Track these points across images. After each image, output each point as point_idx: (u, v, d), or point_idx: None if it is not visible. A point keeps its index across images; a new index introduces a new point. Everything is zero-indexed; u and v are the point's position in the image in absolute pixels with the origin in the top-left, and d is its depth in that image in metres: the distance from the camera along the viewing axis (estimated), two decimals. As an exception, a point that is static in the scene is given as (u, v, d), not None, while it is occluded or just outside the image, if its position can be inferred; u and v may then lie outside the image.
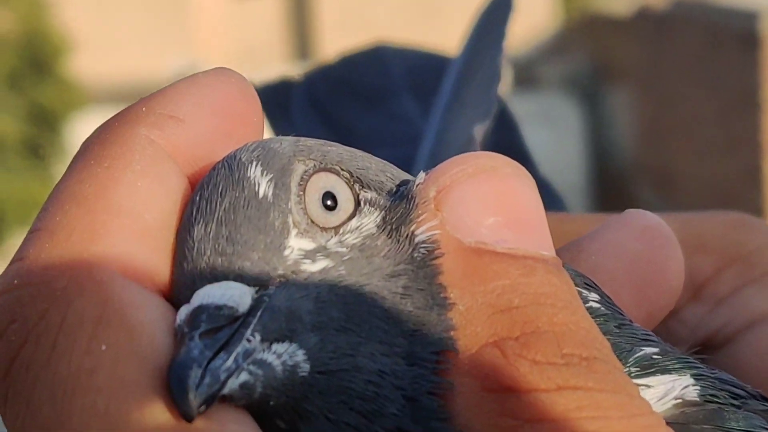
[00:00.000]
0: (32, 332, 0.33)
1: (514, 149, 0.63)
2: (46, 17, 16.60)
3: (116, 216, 0.35)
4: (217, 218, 0.35)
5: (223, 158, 0.37)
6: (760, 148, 11.64)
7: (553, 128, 14.75)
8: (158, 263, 0.35)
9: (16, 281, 0.34)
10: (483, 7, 0.65)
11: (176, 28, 18.71)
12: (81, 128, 16.68)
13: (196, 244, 0.35)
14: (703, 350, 0.46)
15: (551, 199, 0.61)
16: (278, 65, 18.21)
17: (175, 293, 0.35)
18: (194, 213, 0.36)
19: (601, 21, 15.69)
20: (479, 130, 0.54)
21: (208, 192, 0.36)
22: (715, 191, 12.39)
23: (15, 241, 18.02)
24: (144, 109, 0.37)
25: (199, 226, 0.35)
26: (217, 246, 0.35)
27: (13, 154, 16.18)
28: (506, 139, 0.63)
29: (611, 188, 14.68)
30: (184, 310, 0.34)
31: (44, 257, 0.34)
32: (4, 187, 15.99)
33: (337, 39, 18.49)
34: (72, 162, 0.36)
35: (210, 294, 0.34)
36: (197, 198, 0.36)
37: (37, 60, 16.32)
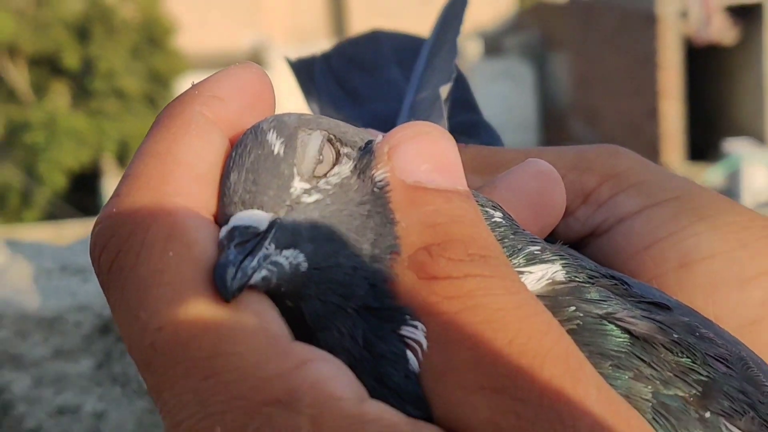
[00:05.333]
0: (124, 245, 0.34)
1: (466, 102, 0.61)
2: (157, 7, 16.50)
3: (179, 166, 0.35)
4: (246, 168, 0.36)
5: (251, 127, 0.37)
6: (656, 93, 11.64)
7: (514, 82, 14.82)
8: (208, 197, 0.36)
9: (114, 210, 0.35)
10: (446, 1, 0.60)
11: (249, 13, 18.63)
12: (184, 86, 16.59)
13: (233, 185, 0.36)
14: (590, 237, 0.47)
15: (491, 136, 0.60)
16: (322, 41, 18.09)
17: (219, 218, 0.36)
18: (232, 164, 0.36)
19: (547, 6, 15.59)
20: (444, 90, 0.52)
21: (241, 150, 0.36)
22: (626, 124, 12.48)
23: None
24: (197, 92, 0.37)
25: (235, 173, 0.36)
26: (246, 186, 0.36)
27: (136, 104, 16.20)
28: (461, 95, 0.59)
29: (554, 123, 14.76)
30: (225, 229, 0.35)
31: (132, 194, 0.35)
32: (130, 126, 15.98)
33: (362, 22, 18.36)
34: (150, 129, 0.37)
35: (241, 218, 0.35)
36: (234, 154, 0.37)
37: (152, 38, 16.33)
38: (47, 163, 15.85)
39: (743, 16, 11.85)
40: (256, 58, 17.67)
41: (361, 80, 0.65)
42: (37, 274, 0.82)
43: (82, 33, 16.48)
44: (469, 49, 16.11)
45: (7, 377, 0.77)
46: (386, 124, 0.52)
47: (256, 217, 0.35)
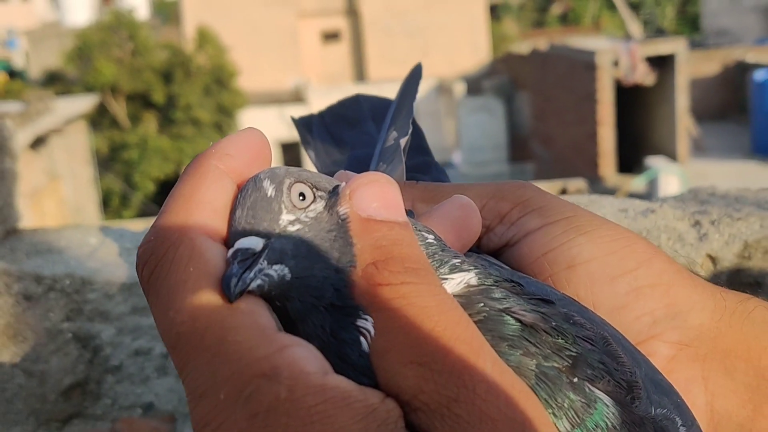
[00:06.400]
0: (159, 261, 0.35)
1: (421, 147, 0.61)
2: (224, 56, 16.50)
3: (200, 204, 0.36)
4: (248, 206, 0.36)
5: (252, 176, 0.38)
6: (595, 122, 11.59)
7: (490, 114, 14.80)
8: (220, 227, 0.36)
9: (152, 237, 0.35)
10: (407, 74, 0.59)
11: (292, 61, 18.62)
12: (244, 117, 16.63)
13: (237, 218, 0.36)
14: (505, 247, 0.47)
15: (439, 172, 0.60)
16: (347, 82, 18.09)
17: (228, 242, 0.36)
18: (237, 203, 0.37)
19: (514, 56, 15.56)
20: (403, 142, 0.52)
21: (244, 193, 0.37)
22: (572, 145, 12.44)
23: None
24: (214, 150, 0.37)
25: (239, 209, 0.36)
26: (247, 219, 0.36)
27: (208, 130, 16.16)
28: (418, 143, 0.60)
29: (519, 144, 14.73)
30: (231, 250, 0.35)
31: (166, 225, 0.36)
32: (203, 147, 15.81)
33: (377, 69, 18.35)
34: (180, 176, 0.38)
35: (242, 242, 0.35)
36: (239, 196, 0.37)
37: (220, 79, 16.33)
38: (140, 173, 15.93)
39: (660, 63, 11.84)
40: (297, 95, 17.72)
41: (346, 132, 0.64)
42: (120, 251, 0.82)
43: (166, 76, 16.55)
44: (456, 89, 16.10)
45: (97, 328, 0.78)
46: (362, 164, 0.55)
47: (254, 241, 0.36)
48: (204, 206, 0.36)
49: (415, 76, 0.59)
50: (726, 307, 0.44)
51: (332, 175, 0.47)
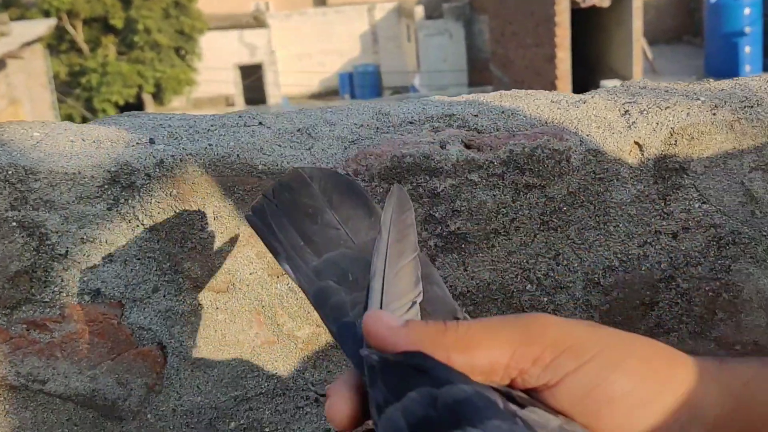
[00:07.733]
0: None
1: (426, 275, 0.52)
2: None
3: None
4: None
5: None
6: (554, 45, 11.52)
7: (451, 38, 14.68)
8: None
9: None
10: (389, 198, 0.52)
11: (251, -14, 18.13)
12: (204, 40, 16.30)
13: None
14: (543, 387, 0.46)
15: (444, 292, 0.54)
16: (306, 7, 17.72)
17: None
18: None
19: (473, -20, 15.26)
20: (417, 306, 0.49)
21: None
22: (530, 68, 12.40)
23: (172, 105, 17.29)
24: None
25: None
26: None
27: (168, 54, 15.82)
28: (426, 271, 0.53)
29: (479, 68, 14.64)
30: None
31: None
32: (163, 71, 15.63)
33: (336, -9, 17.94)
34: None
35: None
36: None
37: (179, 2, 15.91)
38: (101, 99, 15.67)
39: (616, -15, 11.80)
40: (257, 20, 17.40)
41: (307, 226, 0.58)
42: (63, 143, 0.82)
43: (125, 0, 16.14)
44: (416, 12, 15.92)
45: (42, 216, 0.78)
46: (343, 269, 0.54)
47: None
48: None
49: (400, 202, 0.53)
50: (731, 394, 0.48)
51: (334, 310, 0.50)
